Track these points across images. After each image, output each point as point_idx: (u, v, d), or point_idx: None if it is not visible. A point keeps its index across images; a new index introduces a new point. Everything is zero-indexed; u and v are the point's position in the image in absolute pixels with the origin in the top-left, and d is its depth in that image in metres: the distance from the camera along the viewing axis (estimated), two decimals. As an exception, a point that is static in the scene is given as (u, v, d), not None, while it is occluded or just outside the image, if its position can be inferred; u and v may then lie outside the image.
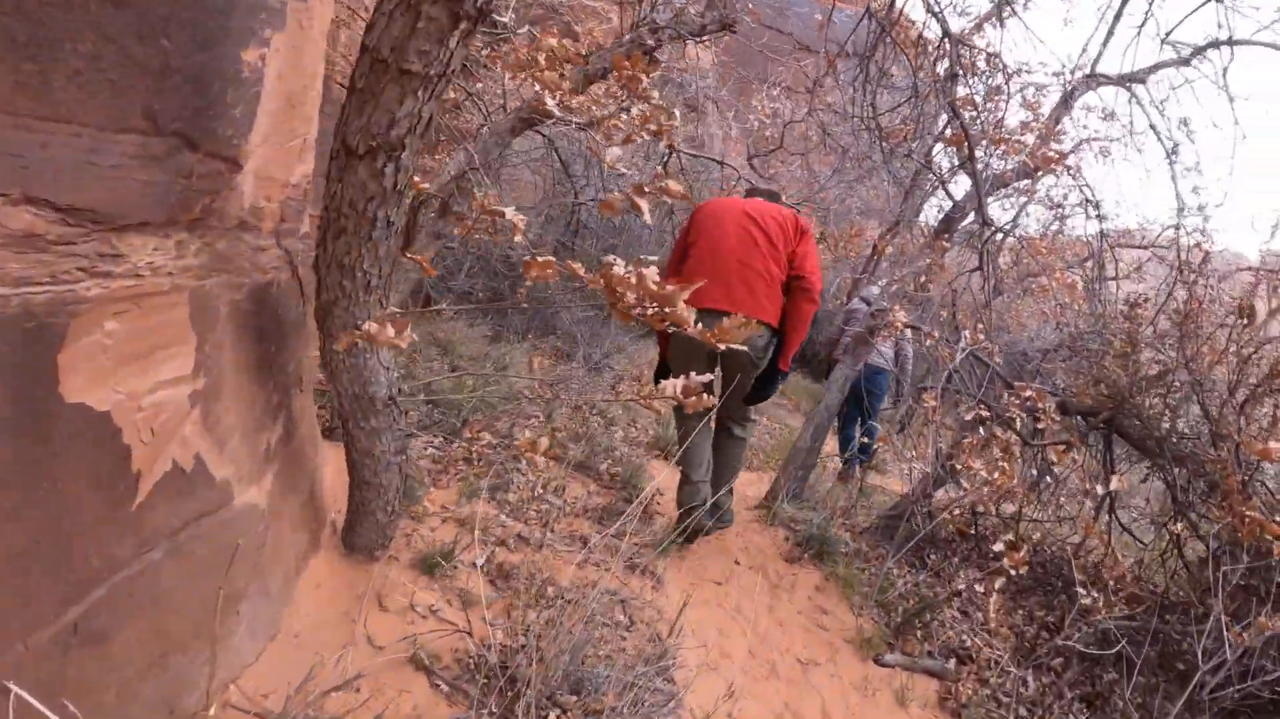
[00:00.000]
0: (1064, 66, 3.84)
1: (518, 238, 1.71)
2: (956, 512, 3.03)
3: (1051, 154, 3.18)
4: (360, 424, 2.08)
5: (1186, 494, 3.51)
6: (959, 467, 2.93)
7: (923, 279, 4.08)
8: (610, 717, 1.97)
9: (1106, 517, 3.83)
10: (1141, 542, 4.27)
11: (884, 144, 4.00)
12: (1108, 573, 3.76)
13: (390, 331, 1.37)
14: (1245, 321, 2.54)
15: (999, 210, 5.33)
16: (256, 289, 1.87)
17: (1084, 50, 3.96)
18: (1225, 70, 3.72)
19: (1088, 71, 4.03)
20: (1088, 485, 4.26)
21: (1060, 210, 4.47)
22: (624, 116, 2.18)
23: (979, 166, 3.29)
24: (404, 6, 1.24)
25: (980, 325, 3.58)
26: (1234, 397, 2.91)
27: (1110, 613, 3.08)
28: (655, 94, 2.21)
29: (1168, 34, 3.85)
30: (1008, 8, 3.63)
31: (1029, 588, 3.81)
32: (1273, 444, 2.38)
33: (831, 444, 5.73)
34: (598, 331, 6.83)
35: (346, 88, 1.39)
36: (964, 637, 3.21)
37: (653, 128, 2.10)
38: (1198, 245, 3.60)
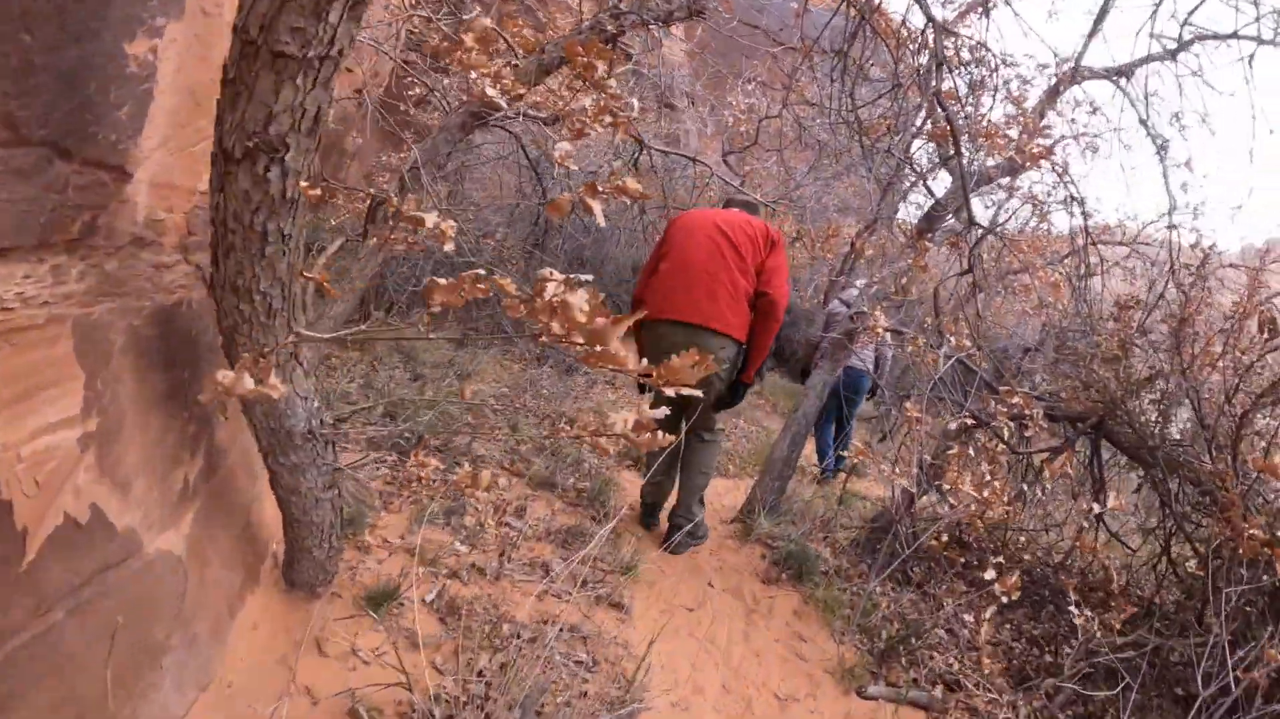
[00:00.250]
0: (1056, 56, 3.67)
1: (447, 246, 1.48)
2: (944, 538, 2.85)
3: (1040, 150, 3.00)
4: (280, 460, 1.85)
5: (1180, 503, 3.37)
6: (946, 485, 2.75)
7: (903, 280, 3.89)
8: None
9: (1096, 523, 3.68)
10: (1130, 548, 4.14)
11: (863, 139, 3.81)
12: (1099, 587, 3.63)
13: (248, 383, 1.13)
14: (1266, 336, 2.37)
15: (979, 207, 5.16)
16: (161, 311, 1.67)
17: (1079, 53, 3.81)
18: (1251, 58, 3.54)
19: (1073, 65, 3.86)
20: (1075, 488, 4.12)
21: (1044, 208, 4.31)
22: (581, 108, 1.94)
23: (965, 163, 3.10)
24: (270, -26, 1.01)
25: (966, 331, 3.40)
26: (1231, 404, 2.75)
27: (1103, 634, 2.92)
28: (613, 84, 1.99)
29: (1185, 23, 3.66)
30: (992, -3, 3.45)
31: (1015, 601, 3.64)
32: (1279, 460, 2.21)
33: (809, 446, 5.56)
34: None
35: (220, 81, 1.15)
36: (951, 661, 3.03)
37: (608, 120, 1.88)
38: (1196, 245, 3.43)
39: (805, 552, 3.47)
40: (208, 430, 2.03)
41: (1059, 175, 3.60)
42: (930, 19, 2.84)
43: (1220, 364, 2.83)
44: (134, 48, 1.40)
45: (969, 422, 3.32)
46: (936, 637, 3.13)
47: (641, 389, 3.84)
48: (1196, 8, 3.58)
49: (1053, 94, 3.80)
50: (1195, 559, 3.42)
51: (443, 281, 1.13)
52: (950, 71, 3.03)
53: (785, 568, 3.41)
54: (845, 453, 5.65)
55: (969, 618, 2.89)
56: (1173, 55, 4.09)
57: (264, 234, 1.23)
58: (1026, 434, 3.73)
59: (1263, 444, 2.73)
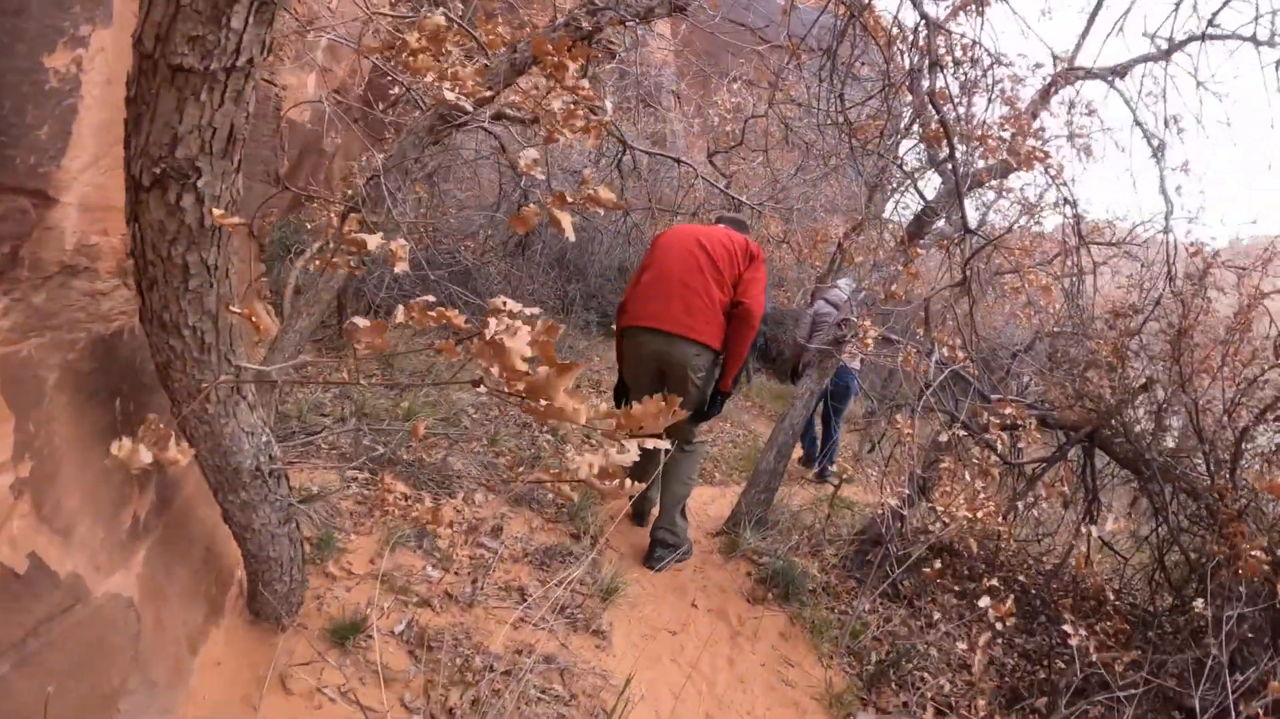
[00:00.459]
0: (1055, 56, 3.56)
1: (399, 268, 1.35)
2: (937, 565, 2.75)
3: (1035, 152, 2.89)
4: (229, 498, 1.71)
5: (1176, 516, 3.29)
6: (939, 508, 2.64)
7: (893, 285, 3.78)
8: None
9: (1089, 540, 3.59)
10: (1122, 555, 4.06)
11: (852, 140, 3.68)
12: (1092, 596, 3.54)
13: (145, 457, 1.01)
14: (1276, 359, 2.28)
15: (969, 209, 5.05)
16: (99, 342, 1.56)
17: (1072, 53, 3.69)
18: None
19: (1066, 65, 3.75)
20: (1068, 498, 4.03)
21: (1038, 210, 4.21)
22: (553, 109, 1.81)
23: (958, 165, 2.99)
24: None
25: (959, 342, 3.30)
26: (1232, 419, 2.66)
27: (1098, 651, 2.83)
28: (586, 84, 1.86)
29: (1210, 20, 3.53)
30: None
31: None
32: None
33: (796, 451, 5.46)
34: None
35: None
36: (944, 683, 2.93)
37: (579, 124, 1.75)
38: (1198, 252, 3.33)
39: (792, 568, 3.36)
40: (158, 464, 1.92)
41: (1052, 178, 3.50)
42: (923, 16, 2.72)
43: (1220, 374, 2.74)
44: (54, 60, 1.28)
45: (960, 433, 3.21)
46: (928, 656, 3.03)
47: (618, 402, 3.76)
48: (1222, 7, 3.48)
49: (1045, 94, 3.70)
50: (1191, 573, 3.34)
51: (364, 322, 1.00)
52: (943, 71, 2.91)
53: (771, 586, 3.30)
54: (832, 466, 5.57)
55: (962, 646, 2.79)
56: (1166, 55, 4.00)
57: (185, 267, 1.10)
58: (1019, 445, 3.64)
59: (1263, 461, 2.64)
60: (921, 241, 3.97)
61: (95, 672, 1.54)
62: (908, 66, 3.29)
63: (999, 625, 2.45)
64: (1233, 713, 2.45)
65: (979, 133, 3.00)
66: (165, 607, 1.88)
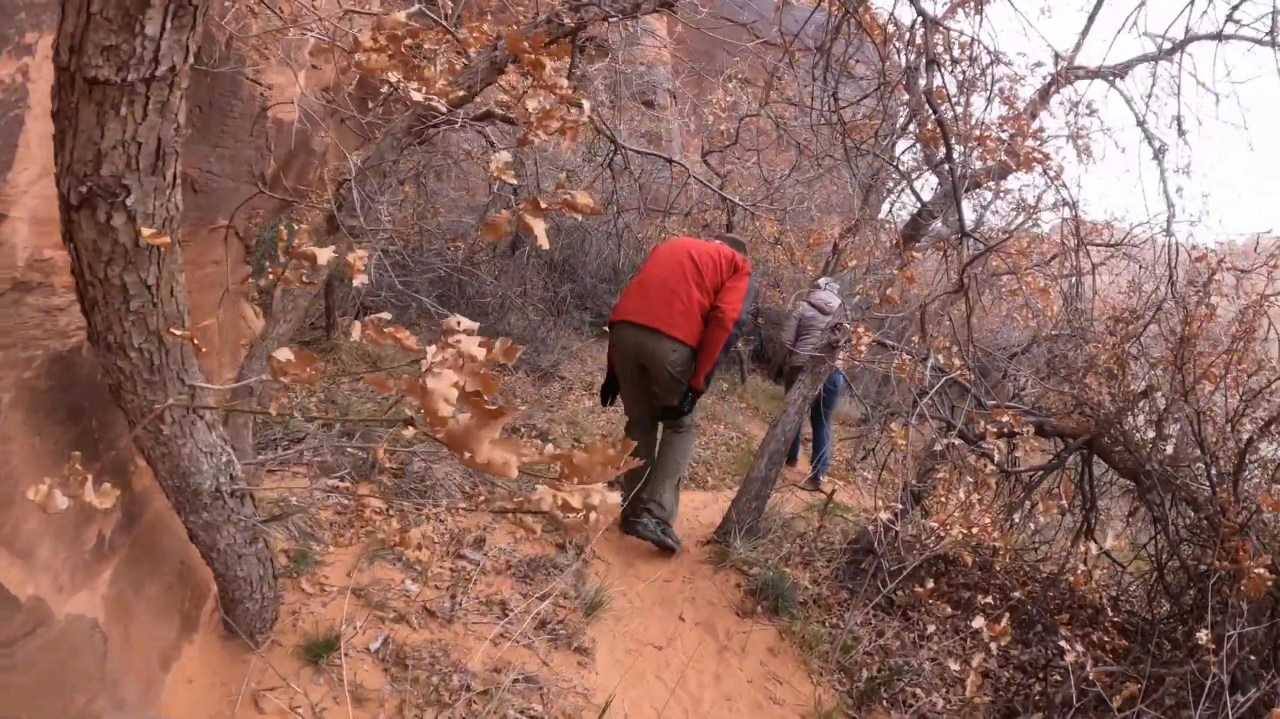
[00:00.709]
0: (1056, 55, 3.47)
1: (357, 281, 1.27)
2: (929, 586, 2.67)
3: (1035, 153, 2.81)
4: (191, 518, 1.63)
5: (1175, 526, 3.21)
6: (933, 523, 2.57)
7: (888, 290, 3.70)
8: None
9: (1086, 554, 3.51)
10: (1120, 564, 3.99)
11: (846, 140, 3.59)
12: (1089, 605, 3.47)
13: (61, 502, 0.92)
14: None
15: (966, 210, 4.96)
16: (56, 359, 1.49)
17: (1072, 52, 3.60)
18: None
19: (1066, 64, 3.67)
20: (1066, 506, 3.95)
21: (1036, 213, 4.13)
22: (528, 109, 1.73)
23: (956, 168, 2.91)
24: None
25: (956, 348, 3.22)
26: (1235, 430, 2.58)
27: (1094, 669, 2.75)
28: (564, 82, 1.77)
29: (1229, 17, 3.43)
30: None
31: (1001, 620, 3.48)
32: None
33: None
34: (544, 336, 6.38)
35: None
36: (936, 700, 2.86)
37: (554, 125, 1.67)
38: (1202, 257, 3.25)
39: (783, 579, 3.28)
40: (124, 479, 1.87)
41: (1050, 180, 3.41)
42: (921, 13, 2.64)
43: (1223, 383, 2.66)
44: (-3, 70, 1.21)
45: (956, 441, 3.13)
46: (921, 671, 2.96)
47: (605, 400, 3.78)
48: (1238, 5, 3.39)
49: (1045, 94, 3.61)
50: (1190, 582, 3.27)
51: (287, 355, 0.91)
52: (940, 69, 2.83)
53: (761, 598, 3.22)
54: (824, 474, 5.49)
55: (955, 666, 2.71)
56: (1168, 55, 3.92)
57: (124, 287, 1.02)
58: (1015, 453, 3.57)
59: (1267, 477, 2.56)
60: (918, 244, 3.88)
61: (62, 693, 1.53)
62: (904, 64, 3.20)
63: (993, 647, 2.37)
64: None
65: (977, 133, 2.92)
66: (134, 624, 1.84)
